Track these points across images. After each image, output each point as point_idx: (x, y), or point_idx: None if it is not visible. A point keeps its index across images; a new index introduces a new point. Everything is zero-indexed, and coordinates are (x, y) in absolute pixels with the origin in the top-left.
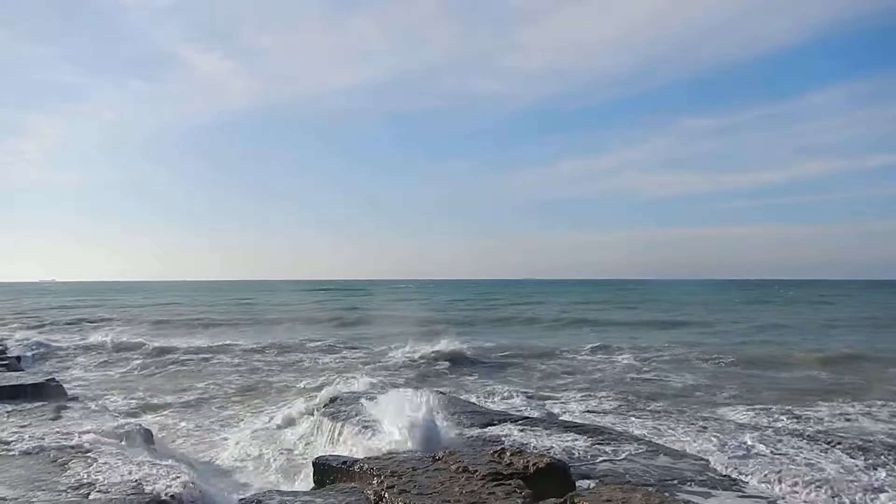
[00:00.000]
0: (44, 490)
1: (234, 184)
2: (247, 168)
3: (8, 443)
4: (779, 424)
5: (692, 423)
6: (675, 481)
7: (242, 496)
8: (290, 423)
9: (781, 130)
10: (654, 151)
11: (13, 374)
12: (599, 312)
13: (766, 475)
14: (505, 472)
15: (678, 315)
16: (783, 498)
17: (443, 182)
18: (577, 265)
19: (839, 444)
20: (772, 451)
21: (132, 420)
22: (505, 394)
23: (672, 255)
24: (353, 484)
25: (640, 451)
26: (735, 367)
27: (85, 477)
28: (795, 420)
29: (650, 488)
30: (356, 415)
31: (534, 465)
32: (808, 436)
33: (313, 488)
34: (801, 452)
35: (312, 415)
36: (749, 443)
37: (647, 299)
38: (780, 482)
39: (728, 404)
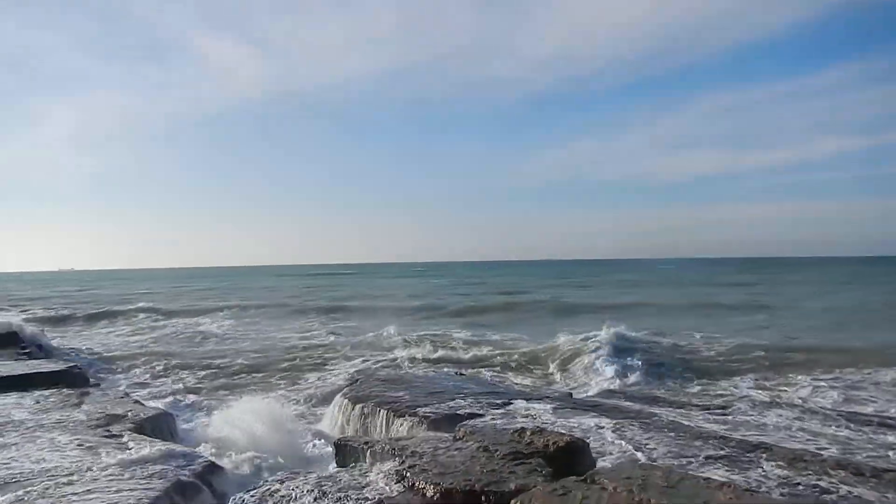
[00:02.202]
0: (71, 473)
1: (247, 170)
2: (261, 154)
3: (31, 429)
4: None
5: (715, 400)
6: (696, 459)
7: (265, 477)
8: (315, 404)
9: (796, 107)
10: (668, 131)
11: (35, 361)
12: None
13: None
14: (525, 451)
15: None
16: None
17: (458, 165)
18: (595, 245)
19: None
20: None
21: (155, 404)
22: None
23: (687, 235)
24: (374, 463)
25: (662, 429)
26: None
27: (111, 459)
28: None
29: (670, 466)
30: (375, 396)
31: (554, 443)
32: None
33: (335, 468)
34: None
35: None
36: (788, 423)
37: (669, 281)
38: (791, 466)
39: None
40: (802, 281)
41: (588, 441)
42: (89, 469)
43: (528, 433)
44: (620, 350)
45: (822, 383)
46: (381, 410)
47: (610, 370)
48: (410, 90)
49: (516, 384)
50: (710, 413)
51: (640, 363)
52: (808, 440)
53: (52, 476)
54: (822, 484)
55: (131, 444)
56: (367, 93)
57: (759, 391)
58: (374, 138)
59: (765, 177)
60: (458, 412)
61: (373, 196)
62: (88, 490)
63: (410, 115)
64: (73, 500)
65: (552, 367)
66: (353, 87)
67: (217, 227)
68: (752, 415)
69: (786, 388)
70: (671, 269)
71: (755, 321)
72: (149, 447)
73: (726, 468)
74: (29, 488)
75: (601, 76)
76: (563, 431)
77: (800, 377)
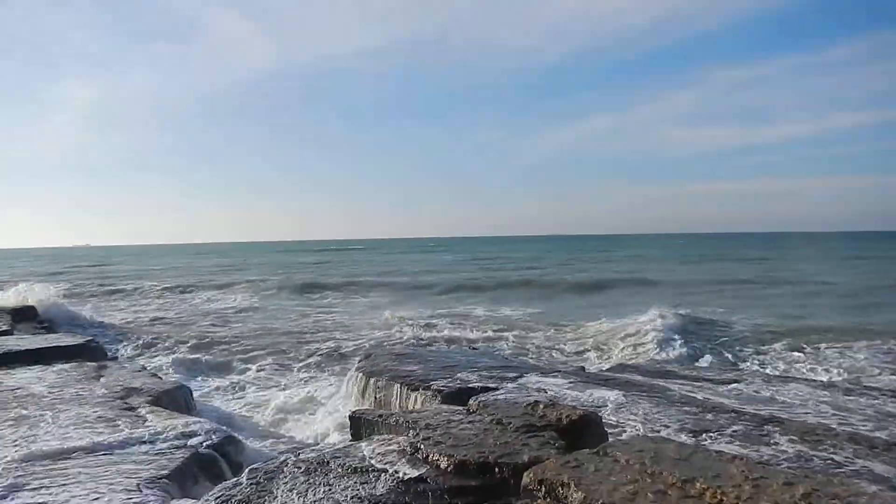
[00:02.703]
0: (89, 445)
1: (255, 147)
2: (271, 131)
3: (52, 402)
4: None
5: (728, 374)
6: (708, 433)
7: (281, 449)
8: (329, 378)
9: (812, 81)
10: (684, 105)
11: (53, 335)
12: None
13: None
14: (538, 424)
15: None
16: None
17: (465, 140)
18: (606, 220)
19: None
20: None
21: (171, 376)
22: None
23: (700, 209)
24: (389, 436)
25: (675, 403)
26: None
27: (129, 431)
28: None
29: (684, 439)
30: (389, 370)
31: (567, 416)
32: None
33: (350, 441)
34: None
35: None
36: (802, 396)
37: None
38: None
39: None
40: (817, 256)
41: (601, 414)
42: (106, 442)
43: (542, 406)
44: (661, 327)
45: (837, 357)
46: (395, 384)
47: (653, 345)
48: (419, 62)
49: (531, 359)
50: (723, 387)
51: (675, 339)
52: (821, 414)
53: (71, 449)
54: (835, 457)
55: (149, 417)
56: (375, 65)
57: (773, 365)
58: (379, 114)
59: (778, 151)
60: (471, 386)
61: (375, 172)
62: (105, 462)
63: (416, 88)
64: (91, 473)
65: (572, 343)
66: (359, 61)
67: (226, 203)
68: (765, 389)
69: (800, 363)
70: (682, 244)
71: (770, 295)
72: (165, 419)
73: (739, 442)
74: (48, 462)
75: (614, 48)
76: (575, 405)
77: (814, 351)
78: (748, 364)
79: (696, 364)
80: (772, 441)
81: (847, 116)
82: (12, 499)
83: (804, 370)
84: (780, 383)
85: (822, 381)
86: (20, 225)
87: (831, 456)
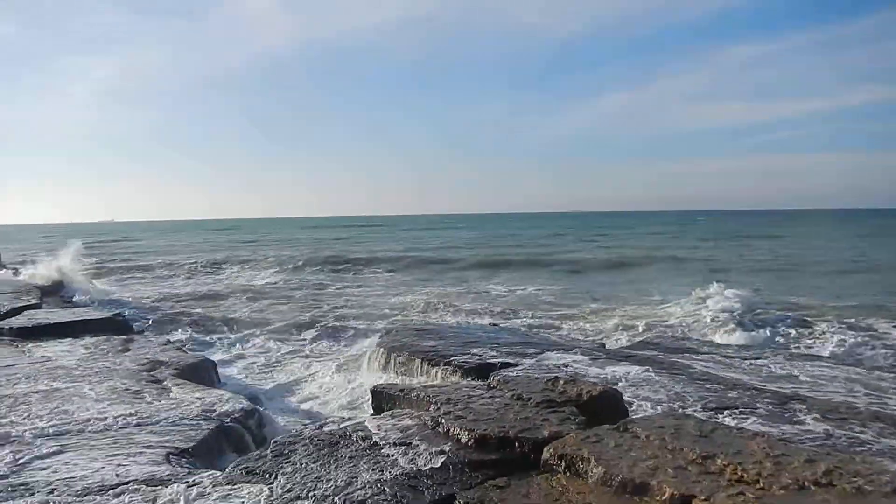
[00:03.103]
0: (117, 416)
1: (279, 122)
2: (297, 104)
3: (81, 375)
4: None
5: (751, 351)
6: (729, 410)
7: (304, 423)
8: (353, 353)
9: (828, 57)
10: (698, 81)
11: (80, 309)
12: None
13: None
14: (559, 400)
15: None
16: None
17: (488, 114)
18: (623, 196)
19: None
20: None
21: (198, 351)
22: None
23: (715, 186)
24: (410, 410)
25: (696, 379)
26: None
27: (156, 403)
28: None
29: (704, 416)
30: (410, 345)
31: (587, 392)
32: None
33: (371, 415)
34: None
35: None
36: (825, 374)
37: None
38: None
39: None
40: (835, 234)
41: (621, 391)
42: (134, 414)
43: (562, 382)
44: (715, 306)
45: (859, 336)
46: (416, 359)
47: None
48: (438, 38)
49: (552, 335)
50: (745, 363)
51: (731, 317)
52: (845, 392)
53: (100, 419)
54: (858, 435)
55: (174, 389)
56: (394, 41)
57: (797, 342)
58: (397, 90)
59: (793, 127)
60: (491, 362)
61: (394, 148)
62: (133, 433)
63: (436, 64)
64: (119, 444)
65: (594, 320)
66: (379, 37)
67: (247, 179)
68: (788, 366)
69: (823, 340)
70: (702, 222)
71: (800, 273)
72: (191, 392)
73: (760, 419)
74: (78, 433)
75: (628, 25)
76: (596, 381)
77: (835, 329)
78: (782, 340)
79: (728, 342)
80: (794, 419)
81: (862, 93)
82: (43, 468)
83: (834, 348)
84: (804, 361)
85: (850, 359)
86: (45, 200)
87: (856, 434)
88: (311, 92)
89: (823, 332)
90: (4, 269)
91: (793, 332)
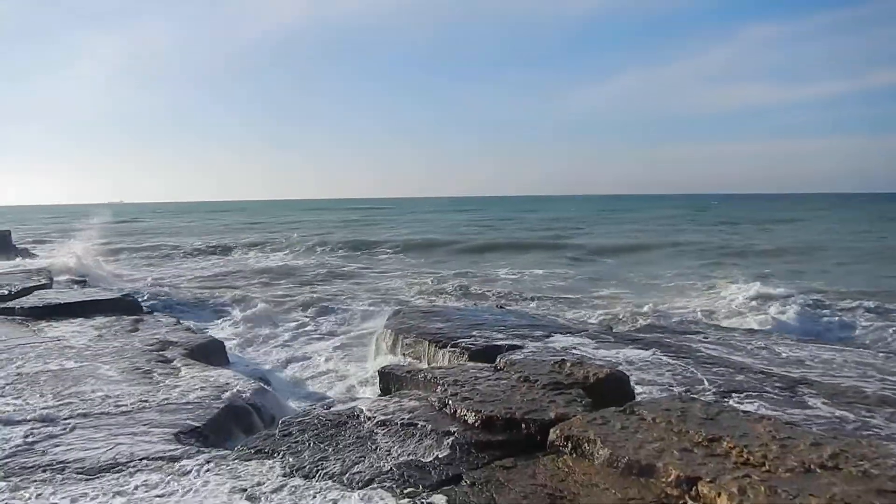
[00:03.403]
0: (127, 396)
1: (288, 103)
2: (307, 84)
3: (92, 354)
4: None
5: (759, 335)
6: (736, 393)
7: (312, 403)
8: (361, 336)
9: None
10: (716, 63)
11: (91, 289)
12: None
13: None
14: (565, 382)
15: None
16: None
17: (498, 96)
18: (638, 179)
19: None
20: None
21: (208, 333)
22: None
23: (732, 169)
24: (417, 391)
25: (703, 363)
26: None
27: (165, 383)
28: None
29: (709, 398)
30: (417, 327)
31: (594, 375)
32: None
33: (379, 396)
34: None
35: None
36: (833, 358)
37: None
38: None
39: None
40: (854, 218)
41: (628, 373)
42: (144, 393)
43: (569, 365)
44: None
45: (880, 321)
46: (423, 341)
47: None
48: (448, 18)
49: (559, 318)
50: (753, 347)
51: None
52: (856, 377)
53: (111, 399)
54: (866, 420)
55: (184, 369)
56: (405, 21)
57: (812, 326)
58: (407, 70)
59: (813, 111)
60: (498, 344)
61: (404, 129)
62: (143, 412)
63: (439, 45)
64: (129, 422)
65: (601, 304)
66: (390, 17)
67: (256, 160)
68: (798, 350)
69: (842, 325)
70: (715, 205)
71: (800, 259)
72: (200, 372)
73: (767, 402)
74: (89, 412)
75: (646, 2)
76: (602, 364)
77: (855, 313)
78: (795, 324)
79: (737, 325)
80: (802, 402)
81: (886, 74)
82: (55, 445)
83: (851, 332)
84: (815, 345)
85: (867, 344)
86: (52, 181)
87: (864, 418)
88: (320, 72)
89: (842, 317)
90: (17, 255)
91: (807, 316)
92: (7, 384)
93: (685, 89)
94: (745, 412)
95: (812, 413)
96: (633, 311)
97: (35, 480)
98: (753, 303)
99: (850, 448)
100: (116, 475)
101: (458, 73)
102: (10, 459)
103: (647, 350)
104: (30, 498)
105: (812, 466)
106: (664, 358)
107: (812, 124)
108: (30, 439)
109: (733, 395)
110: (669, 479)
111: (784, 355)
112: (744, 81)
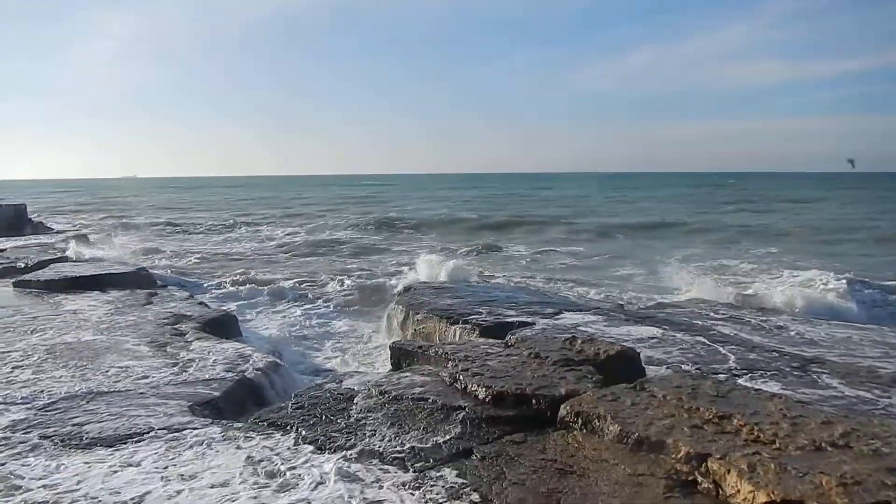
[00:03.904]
0: (143, 368)
1: (296, 79)
2: (315, 60)
3: (108, 327)
4: None
5: (770, 315)
6: (748, 371)
7: (324, 376)
8: (373, 311)
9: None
10: (733, 38)
11: (105, 263)
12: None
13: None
14: (576, 359)
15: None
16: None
17: (504, 73)
18: (652, 156)
19: None
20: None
21: (221, 306)
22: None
23: (748, 147)
24: (428, 367)
25: (715, 341)
26: None
27: (180, 355)
28: None
29: (720, 376)
30: (428, 304)
31: (605, 351)
32: None
33: (390, 370)
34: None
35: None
36: (847, 339)
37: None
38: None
39: None
40: (879, 198)
41: (639, 351)
42: (159, 365)
43: (580, 341)
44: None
45: (882, 299)
46: (434, 317)
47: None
48: None
49: (570, 296)
50: (766, 326)
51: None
52: (873, 357)
53: (127, 371)
54: (879, 399)
55: (198, 343)
56: None
57: (826, 307)
58: (414, 47)
59: (832, 88)
60: (508, 320)
61: (410, 106)
62: (158, 385)
63: (452, 22)
64: (144, 394)
65: (613, 281)
66: None
67: (266, 136)
68: (810, 330)
69: (845, 304)
70: (732, 183)
71: (811, 239)
72: (214, 345)
73: (779, 381)
74: (106, 383)
75: None
76: (613, 341)
77: (861, 291)
78: (806, 303)
79: (752, 305)
80: (815, 382)
81: None
82: (72, 418)
83: (870, 311)
84: (830, 325)
85: (874, 326)
86: (67, 155)
87: (877, 398)
88: (331, 47)
89: (861, 298)
90: (33, 229)
91: (825, 297)
92: (26, 356)
93: (701, 66)
94: (756, 390)
95: (824, 392)
96: (646, 289)
97: (54, 448)
98: (775, 281)
99: (861, 427)
100: (132, 444)
101: (471, 50)
102: (29, 429)
103: (658, 328)
104: (49, 464)
105: (823, 445)
106: (676, 335)
107: (833, 101)
108: (47, 410)
109: (745, 373)
110: (679, 456)
111: (797, 335)
112: (762, 59)
